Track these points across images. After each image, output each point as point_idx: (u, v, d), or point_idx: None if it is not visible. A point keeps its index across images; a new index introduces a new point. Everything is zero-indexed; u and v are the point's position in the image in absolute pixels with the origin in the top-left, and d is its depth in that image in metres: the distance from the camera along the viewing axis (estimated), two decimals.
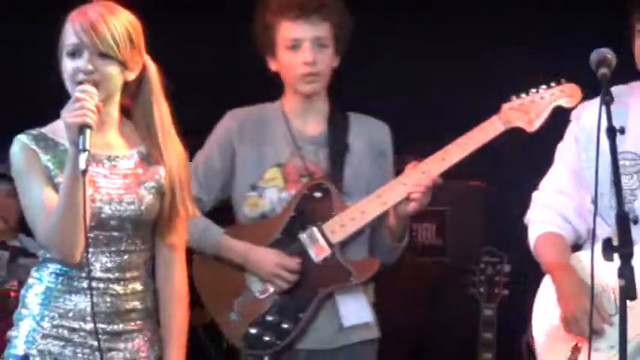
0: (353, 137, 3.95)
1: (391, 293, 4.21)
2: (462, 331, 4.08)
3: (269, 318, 3.81)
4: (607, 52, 3.23)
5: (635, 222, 3.49)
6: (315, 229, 3.80)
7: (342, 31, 3.88)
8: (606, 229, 3.44)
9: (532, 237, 3.69)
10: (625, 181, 3.51)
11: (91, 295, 3.26)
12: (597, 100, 3.36)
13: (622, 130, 3.25)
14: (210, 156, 3.94)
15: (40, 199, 3.28)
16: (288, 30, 3.81)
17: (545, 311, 3.58)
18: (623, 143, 3.48)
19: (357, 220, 3.78)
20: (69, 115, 3.16)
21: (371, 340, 3.89)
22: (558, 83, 3.86)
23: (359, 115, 4.03)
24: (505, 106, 3.84)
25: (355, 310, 3.83)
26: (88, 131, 3.12)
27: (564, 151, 3.70)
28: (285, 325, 3.81)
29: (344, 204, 3.81)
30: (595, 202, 3.29)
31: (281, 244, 3.84)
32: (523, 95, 3.88)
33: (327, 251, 3.81)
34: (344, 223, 3.77)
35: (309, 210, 3.86)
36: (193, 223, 3.74)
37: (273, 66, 3.88)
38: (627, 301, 3.07)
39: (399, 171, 3.89)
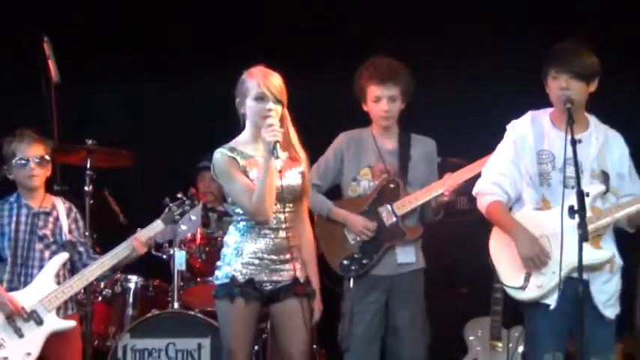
0: (413, 150, 5.43)
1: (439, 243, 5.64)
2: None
3: (355, 255, 5.38)
4: (572, 94, 4.35)
5: (549, 186, 4.42)
6: (388, 205, 5.38)
7: (407, 90, 5.36)
8: (535, 196, 4.48)
9: (483, 204, 4.59)
10: (544, 167, 4.45)
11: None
12: (525, 117, 4.52)
13: (579, 140, 4.28)
14: (328, 159, 5.46)
15: (244, 186, 4.37)
16: (373, 91, 5.39)
17: (501, 249, 4.48)
18: (542, 144, 4.43)
19: (413, 202, 5.36)
20: (267, 134, 4.25)
21: (415, 270, 5.41)
22: None
23: (417, 136, 5.48)
24: None
25: (406, 255, 5.41)
26: (277, 145, 4.27)
27: (505, 147, 4.58)
28: (364, 260, 5.37)
29: (406, 192, 5.38)
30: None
31: (367, 213, 5.38)
32: None
33: (393, 220, 5.38)
34: (404, 204, 5.37)
35: (385, 194, 5.39)
36: (317, 199, 5.35)
37: (365, 108, 5.43)
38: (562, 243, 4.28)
39: (444, 169, 5.40)
